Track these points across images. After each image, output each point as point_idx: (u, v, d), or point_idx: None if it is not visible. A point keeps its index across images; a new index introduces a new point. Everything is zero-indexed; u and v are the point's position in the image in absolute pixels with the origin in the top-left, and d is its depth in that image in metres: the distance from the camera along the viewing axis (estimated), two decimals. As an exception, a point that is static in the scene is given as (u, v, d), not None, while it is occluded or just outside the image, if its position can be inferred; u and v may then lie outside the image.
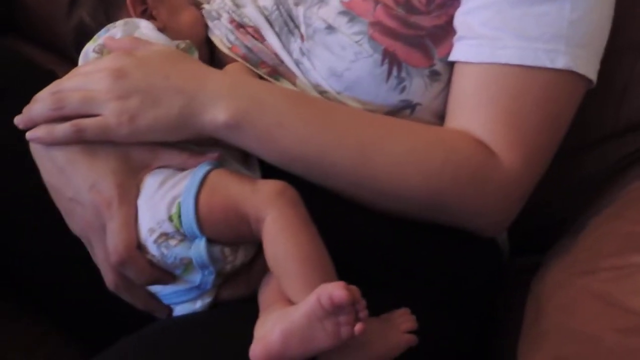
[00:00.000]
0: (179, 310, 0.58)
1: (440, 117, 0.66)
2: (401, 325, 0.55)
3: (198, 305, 0.57)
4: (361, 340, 0.50)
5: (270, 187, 0.54)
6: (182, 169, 0.57)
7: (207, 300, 0.57)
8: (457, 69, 0.63)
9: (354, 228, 0.61)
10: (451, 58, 0.63)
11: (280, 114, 0.58)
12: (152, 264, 0.55)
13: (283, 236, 0.52)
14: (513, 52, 0.59)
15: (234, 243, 0.55)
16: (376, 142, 0.59)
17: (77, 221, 0.58)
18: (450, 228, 0.63)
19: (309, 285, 0.50)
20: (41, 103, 0.57)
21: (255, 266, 0.57)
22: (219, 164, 0.57)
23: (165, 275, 0.56)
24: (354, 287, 0.49)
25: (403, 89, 0.64)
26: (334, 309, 0.47)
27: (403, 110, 0.65)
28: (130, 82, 0.56)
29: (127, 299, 0.59)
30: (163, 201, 0.54)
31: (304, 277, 0.51)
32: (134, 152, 0.57)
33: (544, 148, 0.62)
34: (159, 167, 0.57)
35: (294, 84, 0.66)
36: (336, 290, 0.47)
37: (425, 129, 0.62)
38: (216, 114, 0.56)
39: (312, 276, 0.51)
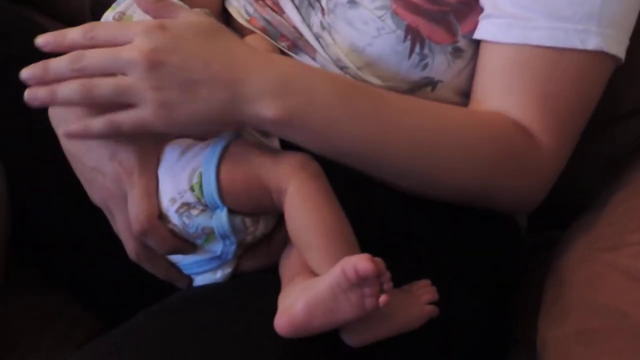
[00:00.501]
0: (200, 281, 0.58)
1: (462, 95, 0.65)
2: (422, 296, 0.55)
3: (219, 275, 0.57)
4: (384, 311, 0.50)
5: (292, 158, 0.54)
6: (202, 138, 0.56)
7: (228, 270, 0.57)
8: (485, 48, 0.62)
9: (376, 202, 0.61)
10: (478, 36, 0.62)
11: (331, 112, 0.55)
12: (174, 233, 0.55)
13: (305, 208, 0.52)
14: (544, 33, 0.58)
15: (255, 214, 0.55)
16: (429, 137, 0.58)
17: (97, 190, 0.57)
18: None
19: (332, 257, 0.50)
20: (59, 63, 0.53)
21: (275, 237, 0.57)
22: (239, 134, 0.56)
23: (187, 245, 0.56)
24: (378, 259, 0.48)
25: (425, 66, 0.63)
26: (359, 281, 0.47)
27: (424, 87, 0.64)
28: (167, 71, 0.51)
29: (148, 269, 0.59)
30: (184, 171, 0.54)
31: (327, 249, 0.51)
32: None
33: (575, 127, 0.62)
34: (179, 137, 0.56)
35: (313, 58, 0.65)
36: (361, 262, 0.47)
37: (472, 117, 0.61)
38: (262, 110, 0.52)
39: (335, 248, 0.51)
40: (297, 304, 0.49)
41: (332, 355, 0.52)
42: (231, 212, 0.53)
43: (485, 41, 0.62)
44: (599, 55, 0.59)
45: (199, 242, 0.55)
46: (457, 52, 0.63)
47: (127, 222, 0.55)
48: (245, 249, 0.57)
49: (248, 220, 0.54)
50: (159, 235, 0.55)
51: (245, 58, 0.54)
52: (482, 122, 0.60)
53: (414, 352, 0.56)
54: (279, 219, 0.57)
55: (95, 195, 0.58)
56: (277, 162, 0.54)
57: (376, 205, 0.61)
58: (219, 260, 0.56)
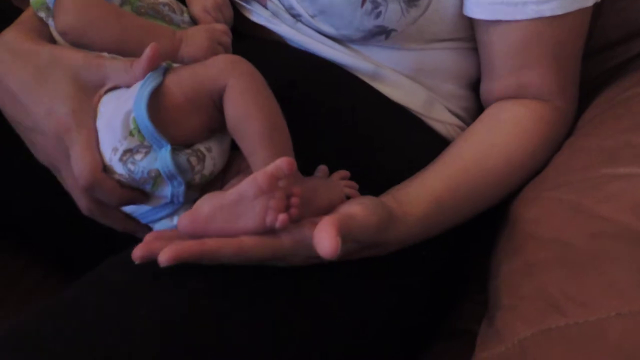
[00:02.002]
0: (158, 228, 0.58)
1: (416, 42, 0.66)
2: (344, 187, 0.57)
3: (175, 221, 0.57)
4: (305, 194, 0.51)
5: (223, 59, 0.55)
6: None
7: None
8: (495, 28, 0.64)
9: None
10: (492, 17, 0.64)
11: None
12: (121, 184, 0.55)
13: (244, 98, 0.52)
14: (555, 4, 0.61)
15: (202, 139, 0.55)
16: (503, 178, 0.63)
17: (41, 151, 0.57)
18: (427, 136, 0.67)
19: (267, 142, 0.51)
20: None
21: (228, 178, 0.57)
22: (166, 68, 0.56)
23: (136, 194, 0.56)
24: (293, 164, 0.49)
25: (378, 15, 0.63)
26: (268, 187, 0.48)
27: (377, 35, 0.65)
28: None
29: (104, 223, 0.59)
30: (118, 118, 0.53)
31: (264, 134, 0.52)
32: (84, 75, 0.55)
33: (577, 81, 0.68)
34: (113, 89, 0.56)
35: (264, 6, 0.65)
36: (277, 162, 0.48)
37: (521, 130, 0.65)
38: None
39: (270, 135, 0.52)
40: (203, 205, 0.50)
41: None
42: (175, 150, 0.53)
43: (497, 21, 0.63)
44: (594, 5, 0.63)
45: (147, 188, 0.55)
46: (411, 0, 0.63)
47: (74, 178, 0.55)
48: (198, 192, 0.56)
49: (193, 159, 0.54)
50: (107, 188, 0.54)
51: None
52: (531, 128, 0.65)
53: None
54: (229, 160, 0.57)
55: (40, 155, 0.58)
56: (207, 66, 0.54)
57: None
58: (173, 206, 0.56)
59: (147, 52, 0.54)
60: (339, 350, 0.55)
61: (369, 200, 0.54)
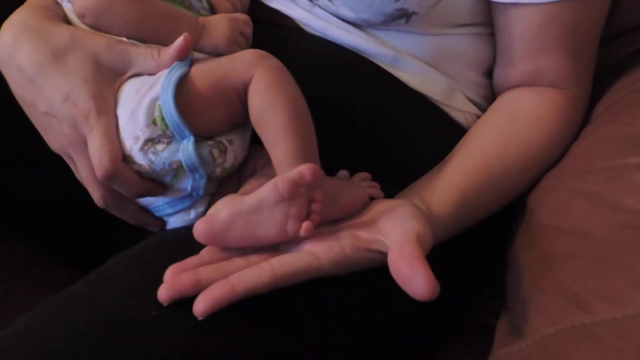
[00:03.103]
0: (173, 222, 0.57)
1: (437, 26, 0.65)
2: (366, 188, 0.56)
3: (192, 215, 0.56)
4: (328, 194, 0.50)
5: (251, 53, 0.54)
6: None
7: (201, 209, 0.56)
8: (513, 12, 0.63)
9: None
10: (511, 0, 0.62)
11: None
12: (140, 174, 0.53)
13: (271, 89, 0.52)
14: None
15: (225, 132, 0.54)
16: (525, 167, 0.62)
17: (54, 137, 0.55)
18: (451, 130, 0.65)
19: (291, 133, 0.50)
20: None
21: (245, 173, 0.56)
22: (191, 60, 0.55)
23: (155, 185, 0.54)
24: (320, 171, 0.48)
25: None
26: (290, 194, 0.47)
27: (398, 19, 0.63)
28: None
29: (118, 214, 0.57)
30: (142, 105, 0.52)
31: (289, 124, 0.51)
32: (105, 59, 0.54)
33: (593, 67, 0.67)
34: (135, 76, 0.54)
35: None
36: (301, 168, 0.47)
37: (541, 120, 0.64)
38: None
39: (295, 126, 0.51)
40: (221, 212, 0.48)
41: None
42: (197, 142, 0.52)
43: (515, 3, 0.62)
44: None
45: (167, 179, 0.54)
46: None
47: (90, 168, 0.53)
48: (216, 185, 0.56)
49: (215, 151, 0.53)
50: (126, 178, 0.53)
51: None
52: (550, 117, 0.64)
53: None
54: (249, 153, 0.56)
55: (53, 142, 0.56)
56: (234, 60, 0.53)
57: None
58: (191, 199, 0.55)
59: (180, 42, 0.53)
60: (354, 346, 0.54)
61: (416, 210, 0.53)
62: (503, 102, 0.68)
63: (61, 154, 0.56)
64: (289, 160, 0.51)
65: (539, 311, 0.46)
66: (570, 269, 0.47)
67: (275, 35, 0.67)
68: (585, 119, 0.67)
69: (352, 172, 0.59)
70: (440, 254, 0.59)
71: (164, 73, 0.53)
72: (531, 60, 0.66)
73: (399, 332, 0.58)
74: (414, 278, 0.44)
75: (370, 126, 0.64)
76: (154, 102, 0.52)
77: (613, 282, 0.42)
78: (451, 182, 0.59)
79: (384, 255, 0.47)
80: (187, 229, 0.53)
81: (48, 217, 0.69)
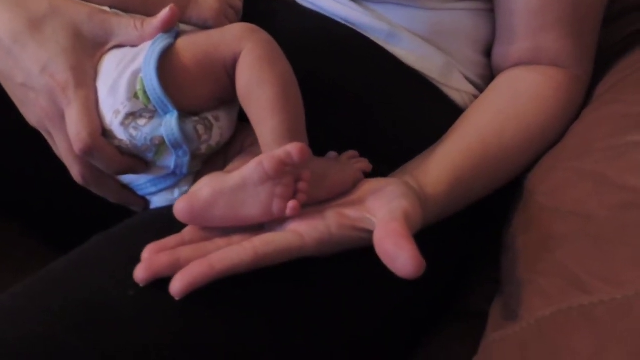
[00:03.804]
0: (156, 202, 0.55)
1: (435, 0, 0.63)
2: (355, 164, 0.54)
3: (176, 194, 0.54)
4: (316, 174, 0.48)
5: (240, 26, 0.52)
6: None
7: (185, 188, 0.53)
8: None
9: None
10: None
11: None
12: (121, 150, 0.51)
13: (260, 64, 0.50)
14: None
15: (210, 108, 0.52)
16: (525, 143, 0.61)
17: (31, 110, 0.53)
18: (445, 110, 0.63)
19: (279, 110, 0.48)
20: None
21: (230, 153, 0.54)
22: (178, 32, 0.53)
23: (137, 161, 0.52)
24: (305, 152, 0.45)
25: None
26: (276, 173, 0.45)
27: None
28: None
29: (98, 192, 0.55)
30: (123, 78, 0.50)
31: (276, 101, 0.49)
32: (85, 29, 0.52)
33: (595, 45, 0.66)
34: (117, 47, 0.52)
35: None
36: (288, 147, 0.45)
37: (542, 98, 0.63)
38: None
39: (283, 103, 0.49)
40: (203, 190, 0.46)
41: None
42: (181, 117, 0.50)
43: None
44: None
45: (149, 156, 0.52)
46: None
47: (68, 142, 0.51)
48: (201, 164, 0.54)
49: (200, 128, 0.51)
50: (105, 154, 0.51)
51: None
52: (550, 96, 0.62)
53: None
54: (235, 132, 0.54)
55: (30, 115, 0.53)
56: (224, 32, 0.51)
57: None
58: (174, 177, 0.53)
59: (165, 13, 0.51)
60: (350, 332, 0.52)
61: (406, 188, 0.51)
62: (502, 81, 0.66)
63: (39, 128, 0.54)
64: (275, 139, 0.49)
65: (535, 293, 0.44)
66: (569, 250, 0.45)
67: (266, 8, 0.65)
68: (587, 99, 0.65)
69: (344, 151, 0.57)
70: (434, 236, 0.58)
71: (147, 45, 0.51)
72: (531, 37, 0.64)
73: (391, 316, 0.57)
74: (399, 256, 0.42)
75: (363, 104, 0.62)
76: (135, 74, 0.50)
77: (613, 262, 0.40)
78: (446, 161, 0.57)
79: (371, 234, 0.45)
80: (171, 208, 0.50)
81: (29, 196, 0.67)
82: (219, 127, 0.53)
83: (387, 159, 0.58)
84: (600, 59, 0.68)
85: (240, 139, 0.55)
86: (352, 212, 0.49)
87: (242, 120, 0.54)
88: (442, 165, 0.57)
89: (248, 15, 0.58)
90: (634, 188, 0.44)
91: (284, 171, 0.46)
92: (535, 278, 0.46)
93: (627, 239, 0.41)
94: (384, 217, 0.46)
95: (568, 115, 0.63)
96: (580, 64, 0.65)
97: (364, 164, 0.55)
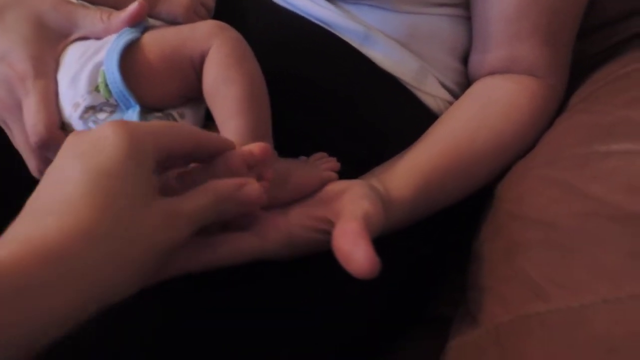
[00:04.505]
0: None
1: (411, 3, 0.63)
2: (321, 165, 0.53)
3: None
4: (280, 174, 0.48)
5: (210, 23, 0.51)
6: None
7: None
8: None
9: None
10: None
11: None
12: None
13: (227, 62, 0.49)
14: None
15: (177, 105, 0.51)
16: (497, 153, 0.60)
17: None
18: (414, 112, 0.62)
19: (244, 110, 0.47)
20: None
21: None
22: (146, 27, 0.52)
23: None
24: (268, 152, 0.45)
25: None
26: (238, 170, 0.44)
27: None
28: None
29: None
30: (85, 70, 0.49)
31: (242, 101, 0.48)
32: (49, 19, 0.51)
33: (570, 56, 0.66)
34: (82, 39, 0.51)
35: None
36: (252, 146, 0.44)
37: (516, 106, 0.62)
38: None
39: (249, 103, 0.48)
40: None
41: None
42: (144, 112, 0.49)
43: None
44: None
45: None
46: None
47: (25, 134, 0.50)
48: None
49: None
50: None
51: None
52: (523, 105, 0.62)
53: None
54: (202, 129, 0.54)
55: None
56: (194, 29, 0.50)
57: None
58: None
59: (134, 6, 0.50)
60: (314, 340, 0.52)
61: (369, 190, 0.50)
62: (477, 89, 0.65)
63: None
64: (239, 138, 0.48)
65: (496, 300, 0.44)
66: (532, 258, 0.44)
67: (239, 6, 0.64)
68: (561, 109, 0.65)
69: (314, 153, 0.56)
70: (404, 244, 0.57)
71: (112, 38, 0.50)
72: (507, 46, 0.64)
73: (359, 323, 0.56)
74: (354, 254, 0.41)
75: (335, 106, 0.61)
76: (97, 67, 0.49)
77: (574, 270, 0.39)
78: (415, 166, 0.56)
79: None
80: None
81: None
82: (184, 123, 0.52)
83: (358, 162, 0.57)
84: (578, 70, 0.68)
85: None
86: (314, 214, 0.48)
87: (211, 119, 0.53)
88: (411, 169, 0.56)
89: (220, 12, 0.57)
90: (597, 197, 0.43)
91: (247, 169, 0.45)
92: (497, 285, 0.45)
93: (588, 248, 0.40)
94: (344, 217, 0.45)
95: (541, 124, 0.63)
96: (555, 73, 0.65)
97: (332, 164, 0.54)
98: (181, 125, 0.45)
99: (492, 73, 0.66)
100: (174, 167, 0.45)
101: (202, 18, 0.55)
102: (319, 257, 0.48)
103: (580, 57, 0.68)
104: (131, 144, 0.38)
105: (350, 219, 0.44)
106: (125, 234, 0.35)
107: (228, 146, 0.45)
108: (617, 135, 0.48)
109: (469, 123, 0.60)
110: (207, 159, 0.44)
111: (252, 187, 0.43)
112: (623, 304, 0.33)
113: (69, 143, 0.39)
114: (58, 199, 0.36)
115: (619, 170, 0.44)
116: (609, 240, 0.40)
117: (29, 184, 0.54)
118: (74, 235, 0.34)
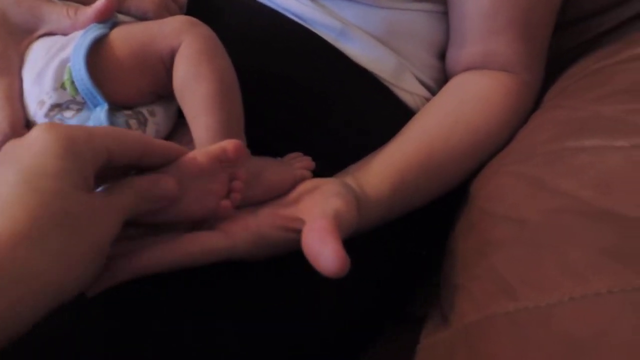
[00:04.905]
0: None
1: None
2: (296, 164, 0.53)
3: None
4: (252, 171, 0.47)
5: (180, 19, 0.50)
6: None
7: None
8: None
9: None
10: None
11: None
12: None
13: (197, 58, 0.48)
14: None
15: (147, 103, 0.50)
16: (474, 148, 0.60)
17: None
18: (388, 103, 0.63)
19: (214, 107, 0.46)
20: None
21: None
22: (115, 23, 0.51)
23: None
24: (241, 150, 0.44)
25: None
26: (209, 169, 0.44)
27: None
28: None
29: None
30: (50, 67, 0.48)
31: (212, 98, 0.47)
32: (12, 14, 0.50)
33: (545, 52, 0.66)
34: (47, 35, 0.50)
35: None
36: (224, 143, 0.44)
37: (489, 103, 0.62)
38: None
39: (219, 100, 0.47)
40: None
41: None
42: (113, 110, 0.48)
43: None
44: None
45: None
46: None
47: None
48: None
49: (133, 122, 0.49)
50: None
51: None
52: (499, 101, 0.62)
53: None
54: (174, 127, 0.53)
55: None
56: (163, 25, 0.50)
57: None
58: None
59: (101, 2, 0.49)
60: (295, 337, 0.51)
61: (341, 187, 0.49)
62: (452, 85, 0.65)
63: None
64: (209, 136, 0.47)
65: (466, 298, 0.43)
66: (503, 256, 0.44)
67: (212, 2, 0.63)
68: (537, 105, 0.65)
69: (289, 151, 0.56)
70: (383, 243, 0.57)
71: (78, 34, 0.49)
72: (482, 41, 0.64)
73: (338, 322, 0.55)
74: (323, 252, 0.40)
75: (310, 103, 0.61)
76: (64, 63, 0.48)
77: (542, 268, 0.39)
78: (389, 163, 0.55)
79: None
80: None
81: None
82: (155, 122, 0.51)
83: (334, 159, 0.56)
84: (553, 66, 0.68)
85: (178, 136, 0.53)
86: (285, 213, 0.47)
87: (183, 117, 0.52)
88: (386, 166, 0.55)
89: (192, 8, 0.56)
90: (568, 193, 0.43)
91: (219, 168, 0.44)
92: (468, 283, 0.45)
93: (557, 245, 0.40)
94: (314, 215, 0.45)
95: (516, 120, 0.62)
96: (530, 70, 0.64)
97: (307, 162, 0.54)
98: (126, 132, 0.45)
99: (468, 69, 0.66)
100: (121, 174, 0.44)
101: (173, 14, 0.54)
102: (296, 256, 0.48)
103: (556, 51, 0.68)
104: (61, 143, 0.38)
105: (319, 216, 0.43)
106: (65, 231, 0.35)
107: (180, 153, 0.44)
108: (588, 131, 0.48)
109: (444, 120, 0.60)
110: (158, 167, 0.44)
111: (167, 182, 0.42)
112: (589, 301, 0.33)
113: (5, 149, 0.39)
114: None
115: (590, 166, 0.44)
116: (579, 237, 0.40)
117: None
118: (14, 239, 0.33)
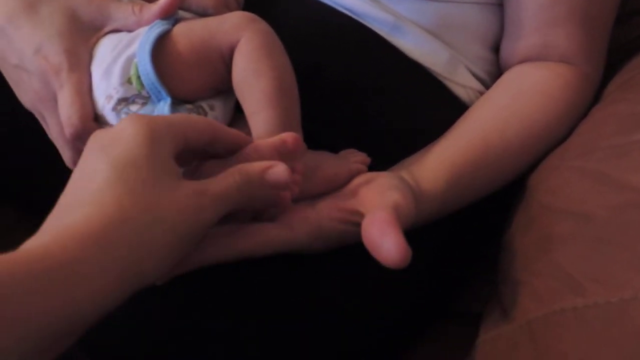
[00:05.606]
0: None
1: None
2: (351, 158, 0.53)
3: None
4: (309, 165, 0.48)
5: (240, 15, 0.50)
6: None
7: None
8: None
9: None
10: None
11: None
12: None
13: (257, 54, 0.48)
14: None
15: (207, 97, 0.51)
16: (535, 141, 0.59)
17: (25, 92, 0.52)
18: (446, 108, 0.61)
19: (273, 102, 0.47)
20: None
21: None
22: (177, 19, 0.52)
23: None
24: (300, 143, 0.45)
25: None
26: (269, 159, 0.44)
27: None
28: None
29: None
30: (118, 63, 0.49)
31: (271, 93, 0.48)
32: (82, 12, 0.51)
33: (606, 43, 0.64)
34: (114, 32, 0.51)
35: None
36: (284, 135, 0.44)
37: (548, 97, 0.61)
38: None
39: (278, 95, 0.48)
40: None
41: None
42: (175, 104, 0.49)
43: None
44: None
45: None
46: None
47: (60, 126, 0.50)
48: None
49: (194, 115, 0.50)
50: None
51: None
52: (556, 94, 0.61)
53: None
54: (232, 121, 0.53)
55: (24, 97, 0.53)
56: (223, 21, 0.50)
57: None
58: None
59: (164, 1, 0.50)
60: (337, 330, 0.51)
61: (398, 181, 0.49)
62: (508, 78, 0.64)
63: (32, 111, 0.53)
64: (268, 130, 0.47)
65: (529, 294, 0.43)
66: (567, 251, 0.43)
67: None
68: (596, 99, 0.63)
69: (345, 146, 0.56)
70: (432, 239, 0.57)
71: (143, 30, 0.50)
72: (540, 33, 0.62)
73: (386, 318, 0.55)
74: (384, 243, 0.40)
75: (365, 99, 0.61)
76: (130, 59, 0.49)
77: (611, 264, 0.38)
78: (444, 157, 0.55)
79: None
80: None
81: (25, 180, 0.66)
82: (214, 116, 0.52)
83: (388, 154, 0.56)
84: (611, 59, 0.66)
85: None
86: (343, 206, 0.47)
87: (241, 112, 0.53)
88: (441, 161, 0.55)
89: (249, 4, 0.56)
90: (635, 187, 0.42)
91: (278, 157, 0.45)
92: (530, 279, 0.44)
93: (626, 241, 0.39)
94: (374, 207, 0.45)
95: (575, 114, 0.61)
96: (590, 61, 0.63)
97: (362, 157, 0.54)
98: (197, 117, 0.46)
99: (524, 61, 0.64)
100: (194, 160, 0.45)
101: (232, 10, 0.54)
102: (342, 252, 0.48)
103: (615, 44, 0.67)
104: (147, 134, 0.39)
105: (379, 208, 0.43)
106: (152, 218, 0.36)
107: (246, 141, 0.45)
108: (656, 125, 0.46)
109: (499, 113, 0.59)
110: (225, 154, 0.45)
111: (280, 169, 0.42)
112: (664, 299, 0.32)
113: (93, 139, 0.41)
114: (88, 191, 0.37)
115: (658, 160, 0.43)
116: (648, 233, 0.39)
117: (64, 175, 0.56)
118: (105, 223, 0.35)
